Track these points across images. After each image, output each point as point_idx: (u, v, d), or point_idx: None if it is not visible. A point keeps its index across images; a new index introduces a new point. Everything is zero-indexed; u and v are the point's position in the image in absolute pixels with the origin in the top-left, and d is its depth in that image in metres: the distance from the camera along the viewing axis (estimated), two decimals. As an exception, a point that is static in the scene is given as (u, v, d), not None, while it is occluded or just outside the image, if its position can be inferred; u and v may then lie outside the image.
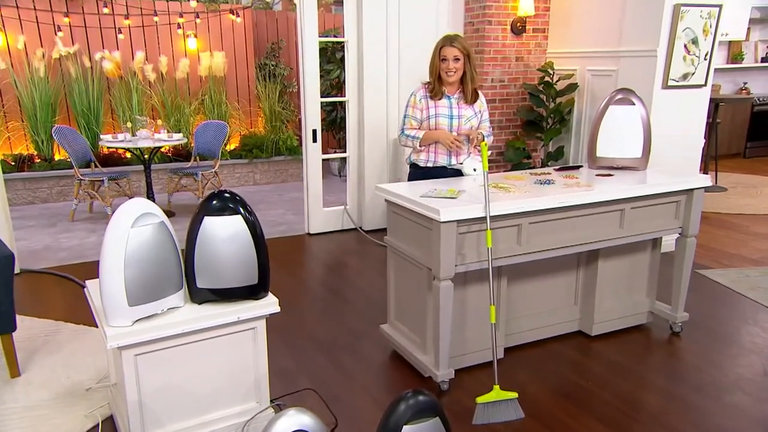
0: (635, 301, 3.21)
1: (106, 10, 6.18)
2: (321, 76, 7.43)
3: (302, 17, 4.58)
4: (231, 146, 7.18)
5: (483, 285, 2.75)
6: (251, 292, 2.22)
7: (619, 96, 3.09)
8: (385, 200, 2.84)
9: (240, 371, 2.25)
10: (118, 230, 1.93)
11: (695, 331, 3.19)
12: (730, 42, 8.11)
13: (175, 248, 2.09)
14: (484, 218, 2.44)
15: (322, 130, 7.95)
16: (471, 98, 3.09)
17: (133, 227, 1.96)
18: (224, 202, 2.14)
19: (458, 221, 2.42)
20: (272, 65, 7.56)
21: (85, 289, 2.35)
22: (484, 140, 2.56)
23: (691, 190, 2.95)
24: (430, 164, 3.12)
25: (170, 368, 2.09)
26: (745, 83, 8.45)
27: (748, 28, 7.87)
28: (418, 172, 3.16)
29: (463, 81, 3.08)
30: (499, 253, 2.57)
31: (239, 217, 2.14)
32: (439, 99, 3.08)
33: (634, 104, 3.06)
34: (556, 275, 3.04)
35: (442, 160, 3.12)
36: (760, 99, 8.23)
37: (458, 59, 2.98)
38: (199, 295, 2.16)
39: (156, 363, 2.06)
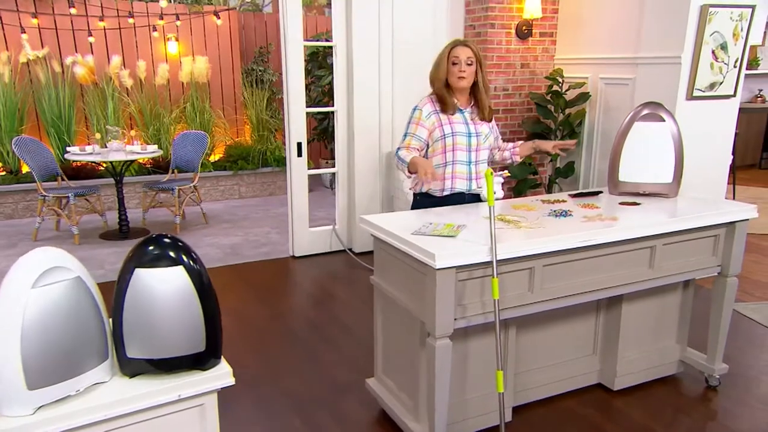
0: (663, 349, 2.76)
1: (73, 11, 5.72)
2: (312, 83, 7.05)
3: (285, 19, 4.15)
4: (215, 157, 6.73)
5: (487, 336, 2.31)
6: (197, 362, 1.76)
7: (646, 111, 2.65)
8: (371, 234, 2.39)
9: (184, 459, 1.79)
10: (11, 293, 1.48)
11: (734, 384, 2.74)
12: (744, 47, 7.68)
13: (96, 310, 1.64)
14: (490, 262, 1.99)
15: (313, 139, 7.56)
16: (488, 114, 2.63)
17: (35, 287, 1.50)
18: (162, 250, 1.69)
19: (458, 267, 1.97)
20: (260, 70, 7.12)
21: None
22: (490, 170, 2.11)
23: (733, 222, 2.50)
24: (447, 192, 2.63)
25: (91, 461, 1.63)
26: (761, 90, 8.02)
27: (765, 33, 7.45)
28: (429, 202, 2.64)
29: (475, 93, 2.61)
30: (508, 302, 2.12)
31: (180, 268, 1.68)
32: (453, 114, 2.60)
33: (663, 120, 2.62)
34: (573, 321, 2.59)
35: (461, 186, 2.63)
36: (777, 107, 7.82)
37: (471, 62, 2.51)
38: (129, 367, 1.70)
39: (71, 456, 1.60)
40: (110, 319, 1.69)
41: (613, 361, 2.65)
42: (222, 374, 1.79)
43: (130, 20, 6.11)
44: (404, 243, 2.10)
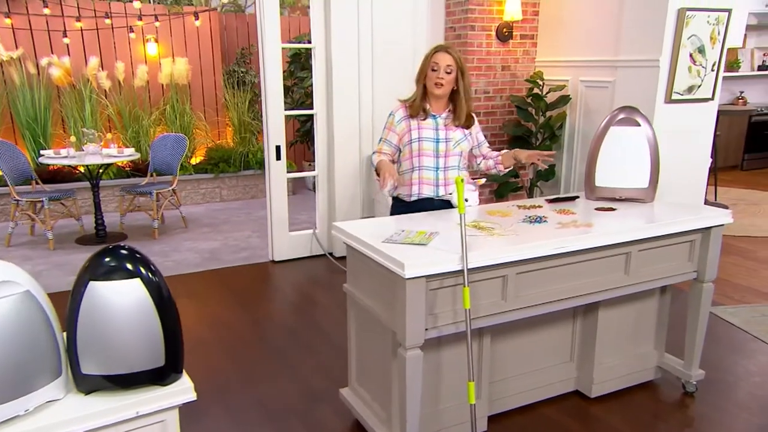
0: (641, 355, 2.74)
1: (47, 11, 5.60)
2: (295, 84, 6.98)
3: (262, 21, 4.08)
4: (196, 159, 6.64)
5: (460, 345, 2.27)
6: (157, 377, 1.70)
7: (622, 115, 2.62)
8: (343, 242, 2.34)
9: (144, 478, 1.73)
10: (-47, 310, 1.41)
11: (711, 390, 2.72)
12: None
13: (47, 325, 1.57)
14: (461, 271, 1.95)
15: (297, 141, 7.49)
16: (464, 120, 2.59)
17: (-20, 303, 1.44)
18: (118, 261, 1.62)
19: (428, 276, 1.93)
20: (242, 72, 7.04)
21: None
22: (460, 177, 2.06)
23: (709, 228, 2.48)
24: (414, 197, 2.62)
25: (44, 483, 1.57)
26: (742, 92, 8.09)
27: (745, 35, 7.50)
28: (401, 207, 2.65)
29: (454, 100, 2.58)
30: (480, 311, 2.08)
31: (137, 281, 1.62)
32: (423, 119, 2.57)
33: (639, 125, 2.60)
34: (549, 328, 2.56)
35: (428, 191, 2.61)
36: (760, 109, 7.87)
37: (451, 71, 2.48)
38: (84, 384, 1.64)
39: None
40: (64, 333, 1.63)
41: (590, 368, 2.62)
42: (183, 389, 1.73)
43: (107, 21, 6.01)
44: (374, 251, 2.06)
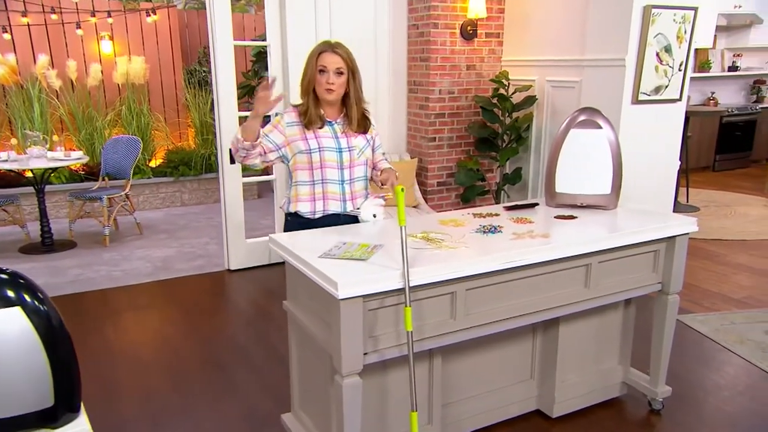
0: (605, 371, 2.59)
1: (-16, 5, 5.30)
2: (259, 84, 6.74)
3: (213, 18, 3.85)
4: (155, 162, 6.36)
5: (408, 367, 2.08)
6: (47, 418, 1.48)
7: (582, 117, 2.47)
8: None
9: None
10: None
11: (678, 405, 2.58)
12: (696, 50, 7.69)
13: None
14: (403, 289, 1.77)
15: (263, 143, 7.23)
16: (359, 125, 2.32)
17: None
18: (-4, 287, 1.41)
19: (366, 296, 1.74)
20: (204, 71, 6.77)
21: None
22: (401, 186, 1.87)
23: (673, 237, 2.34)
24: (318, 214, 2.33)
25: None
26: (713, 93, 8.08)
27: (715, 36, 7.49)
28: (301, 224, 2.33)
29: (346, 104, 2.31)
30: (427, 332, 1.90)
31: (17, 309, 1.40)
32: (320, 127, 2.29)
33: (600, 128, 2.44)
34: (507, 345, 2.40)
35: (334, 207, 2.33)
36: (731, 110, 7.86)
37: (341, 72, 2.21)
38: (-44, 431, 1.42)
39: None
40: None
41: (551, 386, 2.46)
42: (78, 431, 1.51)
43: (53, 16, 5.69)
44: (308, 268, 1.87)
